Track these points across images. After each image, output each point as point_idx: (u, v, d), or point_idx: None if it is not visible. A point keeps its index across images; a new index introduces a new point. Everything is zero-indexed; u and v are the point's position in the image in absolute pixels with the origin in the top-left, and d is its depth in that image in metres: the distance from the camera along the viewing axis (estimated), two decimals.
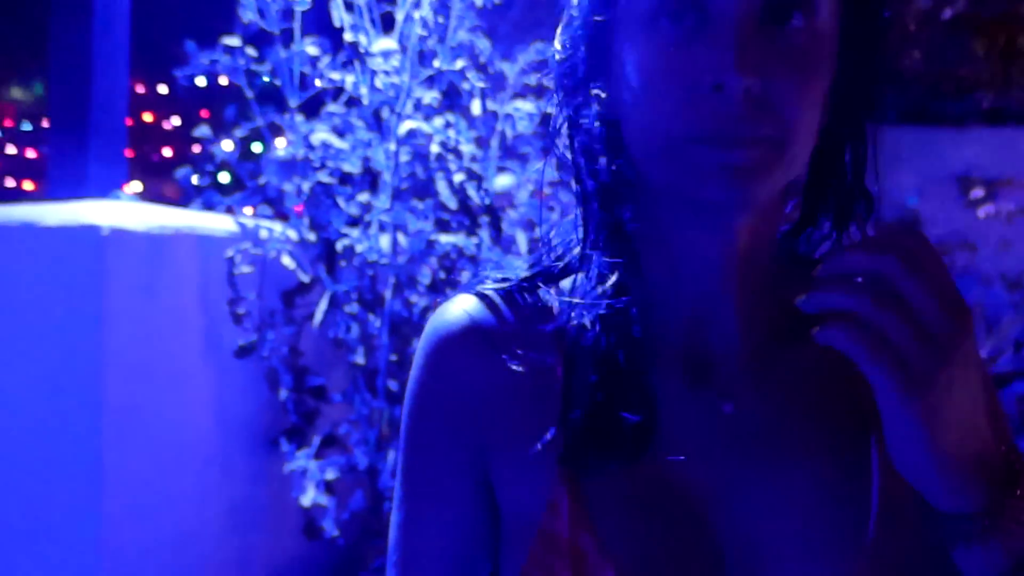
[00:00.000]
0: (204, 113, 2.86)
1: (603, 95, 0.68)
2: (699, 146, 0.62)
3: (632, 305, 0.68)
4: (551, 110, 0.73)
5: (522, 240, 2.17)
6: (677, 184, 0.65)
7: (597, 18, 0.67)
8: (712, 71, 0.61)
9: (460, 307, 0.72)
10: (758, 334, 0.70)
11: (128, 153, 3.00)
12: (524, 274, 0.73)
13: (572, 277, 0.72)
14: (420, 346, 0.73)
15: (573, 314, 0.69)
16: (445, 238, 2.07)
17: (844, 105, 0.68)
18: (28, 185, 3.11)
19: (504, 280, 0.73)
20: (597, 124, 0.69)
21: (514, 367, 0.68)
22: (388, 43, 2.03)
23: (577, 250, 0.72)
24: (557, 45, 0.71)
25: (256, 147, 2.25)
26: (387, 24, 2.12)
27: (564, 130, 0.71)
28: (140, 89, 3.13)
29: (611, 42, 0.67)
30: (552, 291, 0.72)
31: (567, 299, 0.70)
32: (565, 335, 0.69)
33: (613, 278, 0.69)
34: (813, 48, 0.63)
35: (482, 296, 0.72)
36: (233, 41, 2.01)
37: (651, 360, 0.69)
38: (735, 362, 0.70)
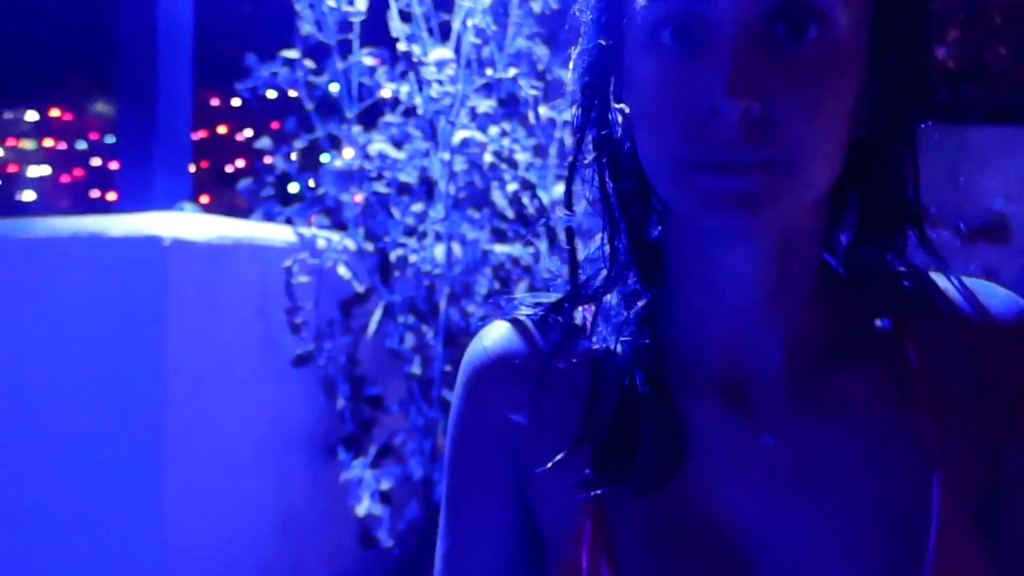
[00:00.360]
0: (275, 125, 2.92)
1: (626, 112, 0.66)
2: (702, 172, 0.59)
3: (661, 328, 0.66)
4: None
5: (580, 249, 2.13)
6: (684, 209, 0.62)
7: (602, 42, 0.65)
8: (707, 94, 0.57)
9: (493, 336, 0.72)
10: (803, 358, 0.66)
11: (203, 164, 3.10)
12: (557, 297, 0.72)
13: (603, 300, 0.70)
14: (458, 375, 0.73)
15: (601, 338, 0.67)
16: (500, 248, 2.05)
17: (885, 113, 0.64)
18: (111, 196, 3.23)
19: (537, 305, 0.72)
20: (616, 146, 0.67)
21: (546, 394, 0.67)
22: (444, 52, 2.02)
23: (606, 272, 0.70)
24: (571, 67, 0.69)
25: (324, 158, 2.28)
26: (445, 33, 2.12)
27: (590, 150, 0.69)
28: (215, 102, 3.22)
29: (622, 62, 0.65)
30: (583, 315, 0.70)
31: (597, 323, 0.68)
32: (596, 359, 0.67)
33: (642, 301, 0.67)
34: (829, 60, 0.58)
35: (515, 323, 0.71)
36: (292, 53, 2.04)
37: (683, 386, 0.66)
38: (776, 390, 0.65)
